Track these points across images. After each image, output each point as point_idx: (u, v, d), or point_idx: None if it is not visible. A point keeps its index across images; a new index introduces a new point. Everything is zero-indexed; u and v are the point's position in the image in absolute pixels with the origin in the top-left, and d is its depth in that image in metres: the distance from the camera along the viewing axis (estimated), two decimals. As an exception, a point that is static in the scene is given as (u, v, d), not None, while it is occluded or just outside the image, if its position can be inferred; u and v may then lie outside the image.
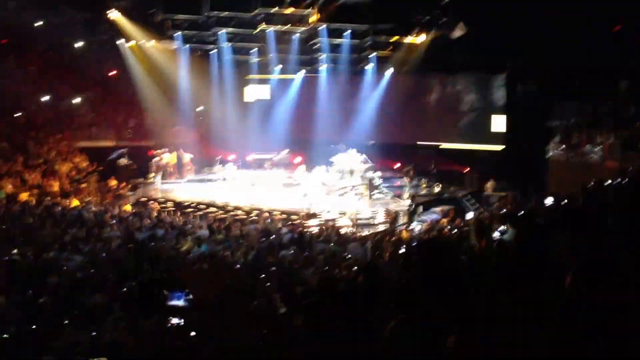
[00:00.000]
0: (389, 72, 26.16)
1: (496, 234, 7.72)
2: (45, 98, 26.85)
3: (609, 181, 12.67)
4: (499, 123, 22.95)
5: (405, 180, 23.14)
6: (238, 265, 13.74)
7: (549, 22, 19.25)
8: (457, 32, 22.45)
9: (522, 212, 11.92)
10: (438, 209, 20.82)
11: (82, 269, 12.18)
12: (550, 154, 20.80)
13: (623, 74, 20.23)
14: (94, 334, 7.60)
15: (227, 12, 23.69)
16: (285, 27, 24.44)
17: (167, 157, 25.09)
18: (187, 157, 25.51)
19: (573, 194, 11.66)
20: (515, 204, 17.16)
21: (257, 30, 24.51)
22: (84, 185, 24.26)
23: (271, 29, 24.62)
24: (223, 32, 24.60)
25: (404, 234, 17.33)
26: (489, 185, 21.72)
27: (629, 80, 20.04)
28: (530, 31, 19.62)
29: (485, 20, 20.99)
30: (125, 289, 10.20)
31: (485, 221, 14.02)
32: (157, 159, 24.54)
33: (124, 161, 25.37)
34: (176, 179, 25.13)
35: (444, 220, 19.09)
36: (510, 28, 19.86)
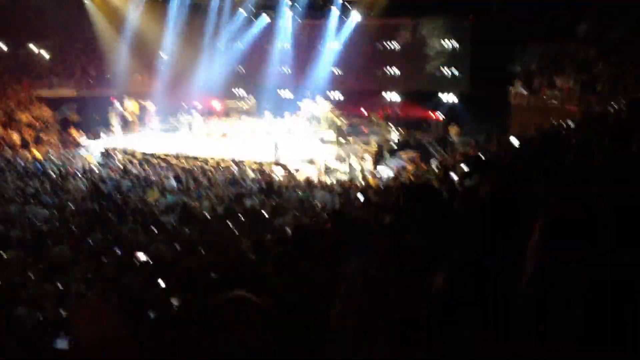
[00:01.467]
0: (353, 16, 25.75)
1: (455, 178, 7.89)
2: (3, 46, 25.99)
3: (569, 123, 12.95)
4: (463, 67, 23.01)
5: (373, 126, 23.33)
6: (207, 215, 13.82)
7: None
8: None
9: (484, 156, 12.17)
10: (404, 154, 21.04)
11: (47, 222, 12.12)
12: (512, 98, 21.05)
13: (582, 17, 20.28)
14: (59, 286, 7.63)
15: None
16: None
17: (129, 107, 24.65)
18: (150, 106, 25.08)
19: (531, 136, 11.89)
20: (477, 148, 17.41)
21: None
22: (45, 136, 23.79)
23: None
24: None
25: (371, 181, 17.55)
26: (453, 130, 21.93)
27: (588, 22, 20.11)
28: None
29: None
30: (91, 241, 10.22)
31: (449, 166, 14.29)
32: (118, 108, 24.02)
33: (73, 116, 24.79)
34: (140, 128, 24.80)
35: (410, 166, 19.35)
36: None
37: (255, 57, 27.18)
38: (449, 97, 23.16)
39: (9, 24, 26.11)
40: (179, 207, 14.01)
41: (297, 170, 19.32)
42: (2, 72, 25.49)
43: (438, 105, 23.47)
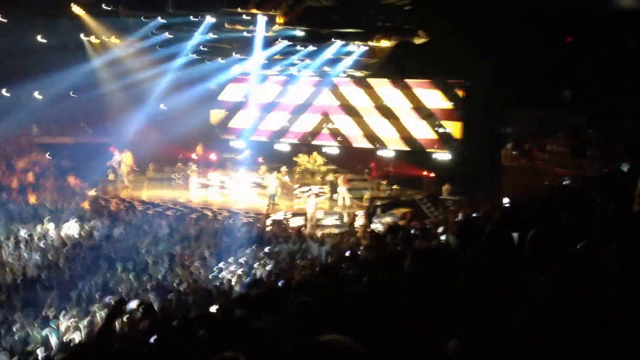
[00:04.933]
0: (349, 75, 26.33)
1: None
2: (4, 93, 26.33)
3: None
4: (454, 129, 23.50)
5: (367, 183, 23.66)
6: (197, 264, 13.89)
7: (506, 30, 19.71)
8: (418, 39, 22.82)
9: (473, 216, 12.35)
10: (395, 211, 21.22)
11: (37, 267, 12.18)
12: (504, 159, 21.42)
13: (567, 84, 20.79)
14: (45, 331, 7.67)
15: (190, 12, 23.32)
16: (249, 28, 24.31)
17: (127, 156, 24.85)
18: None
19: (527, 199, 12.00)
20: (470, 207, 17.64)
21: (223, 31, 24.27)
22: (42, 181, 23.96)
23: (235, 30, 24.39)
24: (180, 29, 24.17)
25: (362, 235, 17.69)
26: (445, 188, 22.21)
27: (573, 89, 20.62)
28: (487, 39, 20.05)
29: (445, 28, 21.41)
30: (79, 288, 10.28)
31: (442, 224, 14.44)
32: (116, 156, 24.21)
33: (67, 163, 25.00)
34: (135, 177, 24.95)
35: (401, 222, 19.49)
36: (469, 37, 20.28)
37: (253, 109, 27.58)
38: (442, 156, 23.53)
39: (11, 69, 26.52)
40: (169, 257, 14.08)
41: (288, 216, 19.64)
42: (2, 118, 25.76)
43: (431, 163, 23.83)
